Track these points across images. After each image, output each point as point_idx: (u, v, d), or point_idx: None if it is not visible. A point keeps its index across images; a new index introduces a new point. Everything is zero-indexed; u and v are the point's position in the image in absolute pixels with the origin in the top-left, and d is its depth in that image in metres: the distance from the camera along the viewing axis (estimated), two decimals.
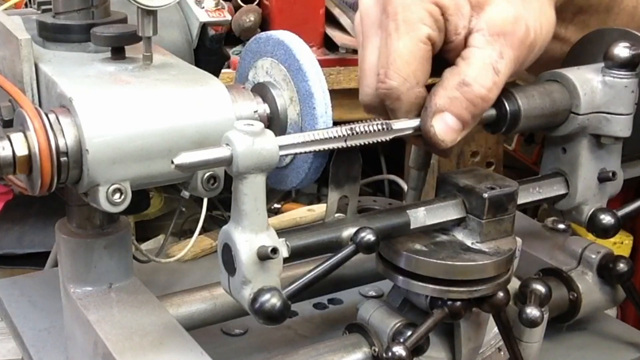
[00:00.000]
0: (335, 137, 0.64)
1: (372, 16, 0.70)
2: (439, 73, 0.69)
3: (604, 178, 0.78)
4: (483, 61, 0.67)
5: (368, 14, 0.71)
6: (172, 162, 0.56)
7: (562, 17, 0.83)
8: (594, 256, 0.85)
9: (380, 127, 0.65)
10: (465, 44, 0.68)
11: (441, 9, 0.67)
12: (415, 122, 0.68)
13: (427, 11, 0.66)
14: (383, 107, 0.69)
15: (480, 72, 0.67)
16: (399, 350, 0.66)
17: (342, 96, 1.23)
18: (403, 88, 0.66)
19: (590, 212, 0.78)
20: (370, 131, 0.65)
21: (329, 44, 1.29)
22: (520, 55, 0.69)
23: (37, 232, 1.18)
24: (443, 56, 0.69)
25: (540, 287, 0.74)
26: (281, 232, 0.63)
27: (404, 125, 0.67)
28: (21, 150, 0.60)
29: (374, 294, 0.95)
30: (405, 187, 1.32)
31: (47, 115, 0.61)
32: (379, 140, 0.66)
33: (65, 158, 0.61)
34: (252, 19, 1.26)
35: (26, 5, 0.90)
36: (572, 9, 0.83)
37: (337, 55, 1.26)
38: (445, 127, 0.67)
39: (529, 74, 0.84)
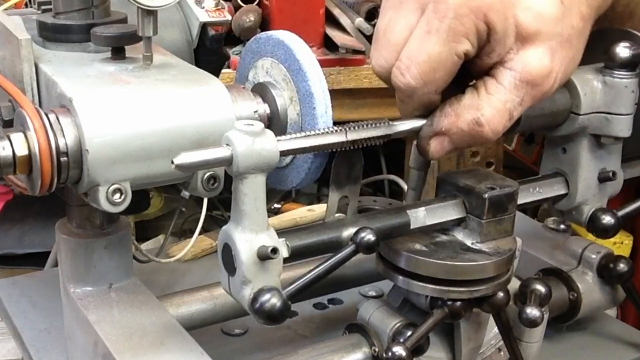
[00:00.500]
0: (335, 137, 0.64)
1: (407, 9, 0.67)
2: None
3: (604, 178, 0.78)
4: (504, 105, 0.66)
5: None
6: (172, 162, 0.56)
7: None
8: (594, 256, 0.85)
9: (380, 127, 0.65)
10: (491, 67, 0.67)
11: (488, 29, 0.64)
12: (415, 123, 0.68)
13: (476, 27, 0.64)
14: (390, 83, 0.68)
15: (496, 116, 0.66)
16: (399, 350, 0.66)
17: (342, 96, 1.23)
18: (420, 91, 0.66)
19: (590, 212, 0.78)
20: (370, 131, 0.65)
21: (329, 44, 1.28)
22: (535, 105, 0.68)
23: (37, 232, 1.18)
24: (465, 66, 0.68)
25: (540, 287, 0.74)
26: (281, 232, 0.63)
27: (405, 126, 0.67)
28: (21, 150, 0.60)
29: (374, 294, 0.95)
30: (405, 187, 1.32)
31: (47, 115, 0.61)
32: (379, 141, 0.66)
33: (65, 158, 0.61)
34: (252, 19, 1.25)
35: (26, 5, 0.90)
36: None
37: (337, 55, 1.26)
38: (440, 148, 0.68)
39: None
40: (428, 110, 0.68)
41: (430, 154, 0.68)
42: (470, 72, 0.68)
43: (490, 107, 0.66)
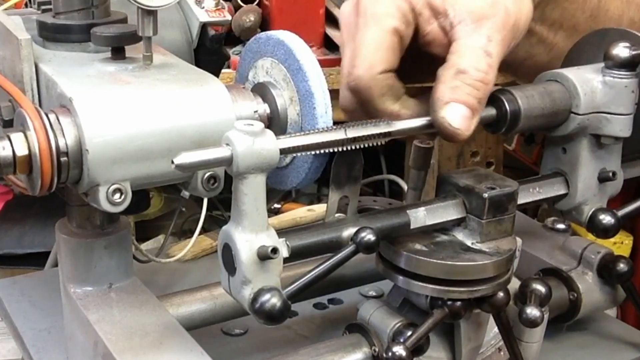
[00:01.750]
0: (335, 137, 0.64)
1: (349, 23, 0.71)
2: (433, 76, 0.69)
3: (604, 178, 0.78)
4: (473, 48, 0.67)
5: (347, 22, 0.72)
6: (172, 162, 0.56)
7: (553, 21, 0.84)
8: (594, 256, 0.85)
9: (381, 127, 0.65)
10: (450, 39, 0.69)
11: (410, 4, 0.68)
12: (416, 122, 0.68)
13: (395, 5, 0.68)
14: (360, 106, 0.69)
15: (473, 59, 0.67)
16: (399, 350, 0.66)
17: None
18: (370, 74, 0.67)
19: (590, 212, 0.78)
20: (370, 131, 0.65)
21: (329, 44, 1.29)
22: (506, 36, 0.69)
23: (37, 232, 1.18)
24: (426, 50, 0.70)
25: (540, 287, 0.74)
26: (281, 232, 0.63)
27: (405, 125, 0.67)
28: (21, 150, 0.60)
29: (374, 294, 0.95)
30: (405, 187, 1.33)
31: (47, 115, 0.61)
32: (380, 141, 0.66)
33: (65, 158, 0.61)
34: (252, 19, 1.26)
35: (26, 5, 0.90)
36: (556, 11, 0.84)
37: (337, 55, 1.26)
38: (456, 116, 0.67)
39: (518, 80, 0.85)
40: (395, 96, 0.68)
41: (453, 126, 0.66)
42: (441, 58, 0.69)
43: (463, 57, 0.67)
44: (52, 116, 0.61)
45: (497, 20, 0.68)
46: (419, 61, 0.71)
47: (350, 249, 0.64)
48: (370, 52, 0.67)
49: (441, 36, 0.69)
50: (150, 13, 0.66)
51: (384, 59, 0.67)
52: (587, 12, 0.85)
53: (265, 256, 0.60)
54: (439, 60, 0.69)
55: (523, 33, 0.73)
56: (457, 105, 0.67)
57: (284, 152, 0.60)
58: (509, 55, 0.71)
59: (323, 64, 0.69)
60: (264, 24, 1.28)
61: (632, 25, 0.86)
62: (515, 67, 0.87)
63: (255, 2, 1.29)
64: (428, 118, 0.68)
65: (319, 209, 1.17)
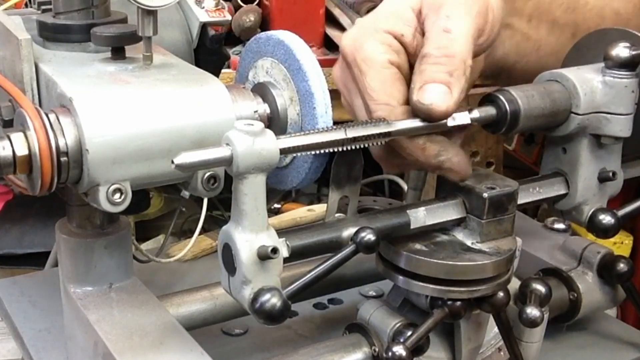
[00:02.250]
0: (335, 137, 0.64)
1: (346, 81, 0.71)
2: None
3: (604, 178, 0.78)
4: (431, 31, 0.67)
5: (343, 82, 0.72)
6: (172, 162, 0.56)
7: (529, 15, 0.84)
8: (594, 256, 0.85)
9: (381, 127, 0.65)
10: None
11: (390, 33, 0.68)
12: (416, 123, 0.68)
13: (379, 41, 0.68)
14: (391, 150, 0.69)
15: (433, 40, 0.67)
16: (399, 350, 0.66)
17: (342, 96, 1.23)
18: (389, 113, 0.66)
19: (590, 212, 0.78)
20: (370, 131, 0.65)
21: (329, 44, 1.28)
22: (471, 9, 0.68)
23: (37, 232, 1.18)
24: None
25: (540, 287, 0.74)
26: (281, 232, 0.63)
27: (405, 125, 0.67)
28: (21, 150, 0.60)
29: (374, 294, 0.95)
30: (405, 187, 1.32)
31: (47, 115, 0.61)
32: (380, 141, 0.66)
33: (65, 158, 0.61)
34: (252, 19, 1.25)
35: (26, 5, 0.90)
36: (529, 4, 0.84)
37: (337, 55, 1.25)
38: (432, 94, 0.65)
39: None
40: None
41: (432, 105, 0.65)
42: None
43: (425, 44, 0.67)
44: (52, 116, 0.61)
45: (454, 2, 0.68)
46: None
47: (350, 249, 0.64)
48: (379, 91, 0.67)
49: None
50: (150, 13, 0.66)
51: (394, 93, 0.67)
52: (564, 5, 0.85)
53: (265, 256, 0.60)
54: None
55: (499, 10, 0.71)
56: (428, 85, 0.66)
57: (284, 152, 0.60)
58: (499, 60, 0.71)
59: (323, 64, 0.69)
60: (264, 24, 1.27)
61: (616, 17, 0.86)
62: (508, 73, 0.87)
63: (255, 2, 1.29)
64: None
65: (319, 209, 1.17)
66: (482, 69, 0.79)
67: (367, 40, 0.68)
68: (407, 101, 0.67)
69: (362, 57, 0.68)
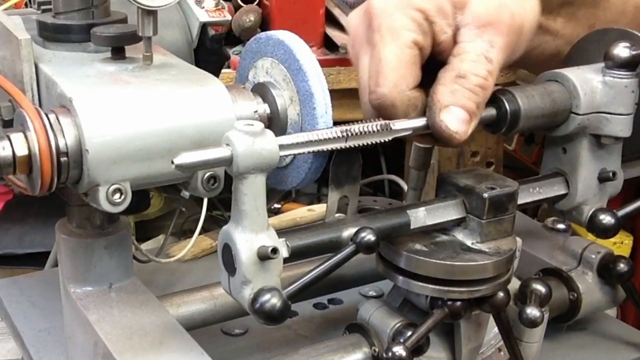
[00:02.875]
0: (335, 137, 0.64)
1: (360, 35, 0.70)
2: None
3: (604, 178, 0.78)
4: (475, 53, 0.67)
5: (357, 33, 0.71)
6: (172, 162, 0.56)
7: (549, 9, 0.83)
8: (594, 256, 0.85)
9: (380, 127, 0.65)
10: (455, 41, 0.69)
11: (423, 13, 0.67)
12: (416, 122, 0.68)
13: (410, 17, 0.67)
14: (380, 112, 0.68)
15: (473, 64, 0.67)
16: (399, 350, 0.66)
17: (342, 96, 1.23)
18: (394, 93, 0.66)
19: (590, 212, 0.78)
20: (370, 131, 0.65)
21: (329, 44, 1.28)
22: (510, 40, 0.69)
23: (37, 232, 1.18)
24: (438, 59, 0.70)
25: (540, 287, 0.74)
26: (281, 232, 0.63)
27: (405, 125, 0.67)
28: (21, 150, 0.60)
29: (374, 294, 0.95)
30: (405, 187, 1.32)
31: (47, 115, 0.61)
32: (380, 140, 0.66)
33: (65, 158, 0.61)
34: (252, 19, 1.25)
35: (26, 5, 0.90)
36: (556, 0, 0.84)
37: (337, 55, 1.26)
38: (454, 119, 0.67)
39: (528, 72, 0.85)
40: (417, 111, 0.68)
41: (450, 129, 0.66)
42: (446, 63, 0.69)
43: (464, 62, 0.67)
44: (52, 116, 0.61)
45: (500, 26, 0.68)
46: (427, 69, 0.71)
47: (350, 249, 0.64)
48: (393, 69, 0.66)
49: (452, 44, 0.69)
50: (150, 13, 0.66)
51: (407, 75, 0.67)
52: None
53: (265, 256, 0.60)
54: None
55: (530, 34, 0.72)
56: (456, 109, 0.67)
57: (284, 152, 0.60)
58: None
59: (323, 64, 0.69)
60: (264, 24, 1.27)
61: (637, 12, 0.85)
62: (523, 57, 0.86)
63: (255, 2, 1.29)
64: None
65: (319, 209, 1.17)
66: None
67: (399, 10, 0.67)
68: (416, 87, 0.67)
69: (388, 25, 0.67)
